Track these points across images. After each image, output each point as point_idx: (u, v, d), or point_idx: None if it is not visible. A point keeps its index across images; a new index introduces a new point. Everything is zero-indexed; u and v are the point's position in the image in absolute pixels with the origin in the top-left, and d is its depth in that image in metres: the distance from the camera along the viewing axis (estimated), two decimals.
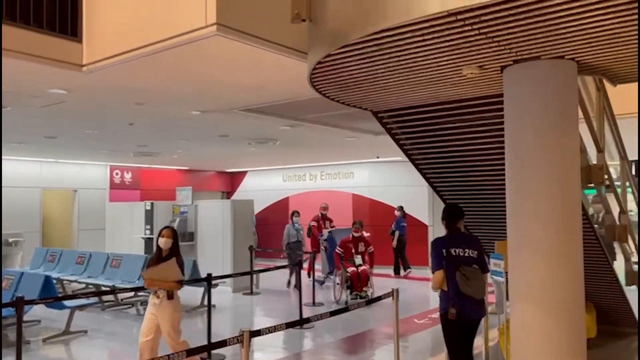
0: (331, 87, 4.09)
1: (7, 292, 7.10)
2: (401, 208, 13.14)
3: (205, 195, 15.70)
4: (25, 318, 5.37)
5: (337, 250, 9.49)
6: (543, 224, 3.41)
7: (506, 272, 4.85)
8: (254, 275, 10.99)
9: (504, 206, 5.29)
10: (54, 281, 7.90)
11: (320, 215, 12.08)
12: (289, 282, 11.38)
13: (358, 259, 9.17)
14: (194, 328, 7.57)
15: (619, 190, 6.04)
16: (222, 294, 10.24)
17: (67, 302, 7.09)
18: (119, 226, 13.22)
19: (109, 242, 13.37)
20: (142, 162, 14.45)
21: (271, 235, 15.47)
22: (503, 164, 4.69)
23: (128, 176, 15.13)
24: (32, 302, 5.66)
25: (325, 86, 4.04)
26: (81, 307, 7.54)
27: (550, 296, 3.36)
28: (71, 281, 10.13)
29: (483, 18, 2.67)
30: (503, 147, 4.53)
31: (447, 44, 3.05)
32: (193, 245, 11.91)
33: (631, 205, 6.61)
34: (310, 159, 14.39)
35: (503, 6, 2.52)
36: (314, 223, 11.92)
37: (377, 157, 13.50)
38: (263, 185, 16.94)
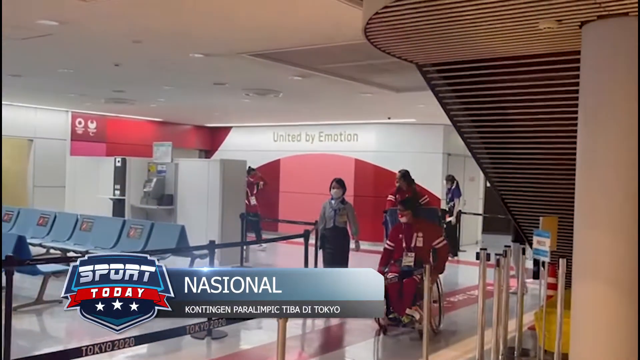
0: (386, 37, 4.28)
1: None
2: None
3: (180, 153, 15.74)
4: None
5: (386, 246, 7.06)
6: (615, 197, 3.70)
7: (551, 251, 5.25)
8: (245, 248, 11.18)
9: (555, 179, 5.64)
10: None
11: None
12: None
13: (408, 259, 6.69)
14: None
15: None
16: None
17: (41, 267, 7.27)
18: (82, 184, 13.27)
19: (70, 201, 13.43)
20: (110, 111, 14.42)
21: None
22: (562, 133, 4.99)
23: (92, 126, 15.10)
24: (23, 263, 5.81)
25: (380, 36, 4.23)
26: (57, 274, 7.72)
27: (621, 273, 3.67)
28: (33, 245, 10.26)
29: None
30: (564, 112, 4.84)
31: None
32: (172, 210, 11.97)
33: None
34: (309, 117, 14.52)
35: None
36: (390, 197, 9.54)
37: (389, 118, 13.71)
38: (250, 145, 16.94)
